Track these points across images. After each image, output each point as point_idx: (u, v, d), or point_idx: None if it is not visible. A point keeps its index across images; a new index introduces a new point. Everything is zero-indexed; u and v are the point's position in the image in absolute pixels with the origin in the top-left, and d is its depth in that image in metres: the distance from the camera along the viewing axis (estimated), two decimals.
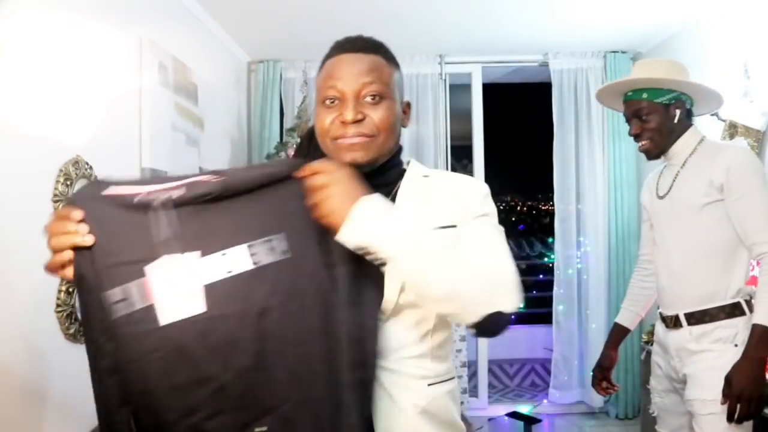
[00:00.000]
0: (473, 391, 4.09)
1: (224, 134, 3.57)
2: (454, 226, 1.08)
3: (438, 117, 3.97)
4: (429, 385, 1.08)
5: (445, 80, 3.99)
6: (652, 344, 3.14)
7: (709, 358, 1.80)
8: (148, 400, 0.95)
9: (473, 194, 1.13)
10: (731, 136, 2.70)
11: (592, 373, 2.24)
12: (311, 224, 0.96)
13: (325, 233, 0.96)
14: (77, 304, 1.89)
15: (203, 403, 0.94)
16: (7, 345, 1.64)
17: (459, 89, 4.14)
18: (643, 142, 1.96)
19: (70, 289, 1.86)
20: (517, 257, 6.10)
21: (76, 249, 0.94)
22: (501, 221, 1.16)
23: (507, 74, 4.30)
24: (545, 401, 4.09)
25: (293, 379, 0.95)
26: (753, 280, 1.84)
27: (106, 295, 0.93)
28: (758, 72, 2.62)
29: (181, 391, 0.94)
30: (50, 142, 1.81)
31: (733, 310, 1.81)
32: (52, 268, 0.97)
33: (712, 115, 2.44)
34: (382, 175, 1.13)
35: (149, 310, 0.93)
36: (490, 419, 3.85)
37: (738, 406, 1.69)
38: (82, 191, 1.01)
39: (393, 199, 1.11)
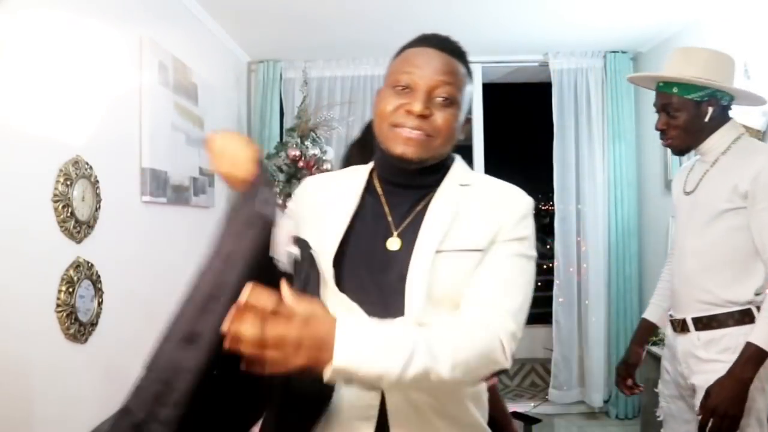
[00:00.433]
0: None
1: None
2: (479, 250, 1.04)
3: None
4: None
5: None
6: (652, 344, 3.16)
7: (717, 369, 1.69)
8: None
9: (510, 213, 1.07)
10: None
11: (616, 371, 2.12)
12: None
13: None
14: (78, 304, 1.89)
15: None
16: (7, 345, 1.63)
17: None
18: (668, 140, 1.84)
19: (70, 290, 1.86)
20: None
21: None
22: None
23: (507, 74, 4.30)
24: (546, 399, 4.09)
25: None
26: None
27: None
28: (758, 72, 2.62)
29: None
30: (50, 142, 1.81)
31: (743, 317, 1.71)
32: None
33: None
34: (423, 176, 1.10)
35: None
36: None
37: (711, 420, 1.62)
38: None
39: (425, 207, 1.09)
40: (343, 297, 1.04)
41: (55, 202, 1.81)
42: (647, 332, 2.11)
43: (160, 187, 2.50)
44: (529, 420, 3.48)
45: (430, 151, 1.06)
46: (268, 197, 1.02)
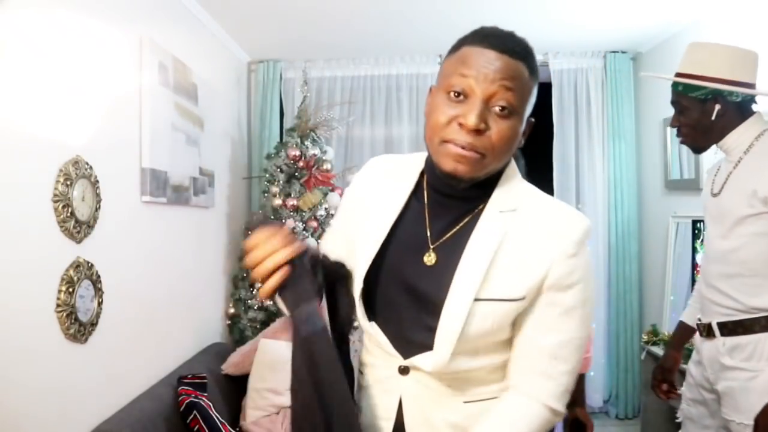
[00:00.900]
0: None
1: (224, 134, 3.57)
2: (521, 299, 0.98)
3: None
4: (465, 402, 1.04)
5: None
6: (652, 344, 3.16)
7: (742, 378, 1.65)
8: None
9: (560, 252, 0.97)
10: None
11: (652, 374, 2.05)
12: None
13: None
14: (78, 304, 1.89)
15: None
16: (8, 345, 1.63)
17: None
18: (681, 137, 1.79)
19: (70, 290, 1.86)
20: None
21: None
22: None
23: None
24: None
25: None
26: None
27: None
28: (759, 72, 2.62)
29: None
30: (50, 142, 1.81)
31: None
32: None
33: None
34: (471, 189, 1.02)
35: None
36: None
37: None
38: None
39: (466, 225, 1.02)
40: (373, 325, 1.06)
41: (55, 202, 1.81)
42: (686, 335, 2.01)
43: (160, 187, 2.50)
44: None
45: (483, 170, 0.98)
46: (308, 313, 0.95)
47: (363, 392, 1.12)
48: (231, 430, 2.40)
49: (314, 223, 3.45)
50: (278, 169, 3.50)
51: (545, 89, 4.03)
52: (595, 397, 3.91)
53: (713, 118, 1.69)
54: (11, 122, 1.65)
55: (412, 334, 1.02)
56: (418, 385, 1.04)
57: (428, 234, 1.05)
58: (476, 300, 0.97)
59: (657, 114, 3.63)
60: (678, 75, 1.77)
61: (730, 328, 1.71)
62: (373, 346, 1.10)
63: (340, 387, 0.94)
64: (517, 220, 1.01)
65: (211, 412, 2.35)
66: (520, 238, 0.99)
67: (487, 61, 0.94)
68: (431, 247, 1.03)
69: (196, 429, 2.29)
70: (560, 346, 0.98)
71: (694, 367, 1.88)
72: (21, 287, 1.68)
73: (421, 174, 1.10)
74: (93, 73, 2.04)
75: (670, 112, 1.84)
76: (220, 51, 3.55)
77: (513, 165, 1.08)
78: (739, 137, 1.70)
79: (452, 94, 0.96)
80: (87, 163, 1.96)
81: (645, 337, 3.26)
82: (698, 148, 1.81)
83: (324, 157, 3.55)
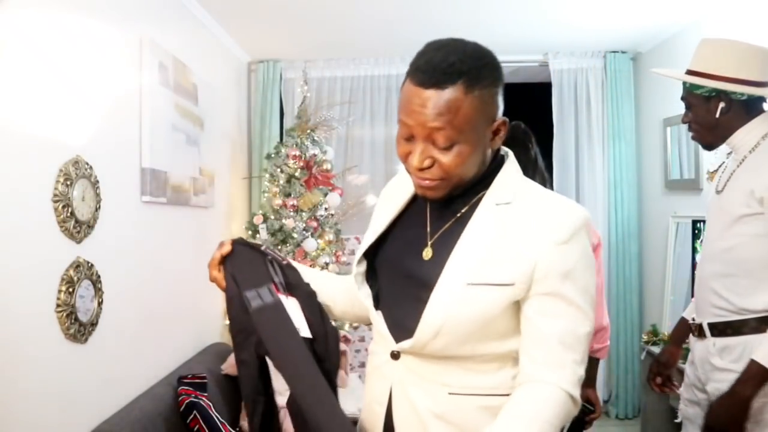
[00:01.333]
0: None
1: (224, 134, 3.57)
2: (509, 285, 1.00)
3: None
4: (450, 393, 1.06)
5: None
6: (652, 344, 3.16)
7: (730, 379, 1.63)
8: None
9: (549, 239, 0.99)
10: None
11: (649, 368, 2.05)
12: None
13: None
14: (78, 304, 1.89)
15: None
16: (8, 345, 1.63)
17: None
18: (691, 133, 1.79)
19: (70, 290, 1.86)
20: None
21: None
22: None
23: (507, 74, 4.22)
24: None
25: None
26: None
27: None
28: None
29: None
30: (50, 142, 1.81)
31: (759, 325, 1.62)
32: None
33: None
34: (462, 194, 1.07)
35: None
36: None
37: None
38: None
39: (462, 217, 1.07)
40: (378, 313, 1.13)
41: (55, 202, 1.81)
42: (684, 332, 1.98)
43: (160, 187, 2.50)
44: None
45: (451, 189, 1.04)
46: (258, 292, 1.14)
47: (366, 379, 1.21)
48: (231, 430, 2.40)
49: (314, 223, 3.45)
50: (278, 169, 3.50)
51: (545, 89, 4.04)
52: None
53: (717, 115, 1.69)
54: (11, 122, 1.65)
55: (406, 319, 1.06)
56: (407, 372, 1.08)
57: (428, 231, 1.11)
58: (466, 285, 1.01)
59: (657, 114, 3.62)
60: (688, 72, 1.77)
61: (720, 329, 1.70)
62: (376, 334, 1.16)
63: (299, 353, 1.06)
64: (512, 212, 1.04)
65: (211, 412, 2.35)
66: (513, 228, 1.03)
67: (420, 104, 0.97)
68: (429, 243, 1.10)
69: (196, 429, 2.29)
70: (566, 334, 1.00)
71: (689, 367, 1.88)
72: (21, 287, 1.68)
73: None
74: (93, 73, 2.04)
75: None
76: (220, 51, 3.55)
77: (512, 159, 1.12)
78: (745, 135, 1.69)
79: (403, 133, 1.02)
80: (87, 163, 1.96)
81: (645, 337, 3.26)
82: (707, 145, 1.80)
83: (324, 157, 3.55)
